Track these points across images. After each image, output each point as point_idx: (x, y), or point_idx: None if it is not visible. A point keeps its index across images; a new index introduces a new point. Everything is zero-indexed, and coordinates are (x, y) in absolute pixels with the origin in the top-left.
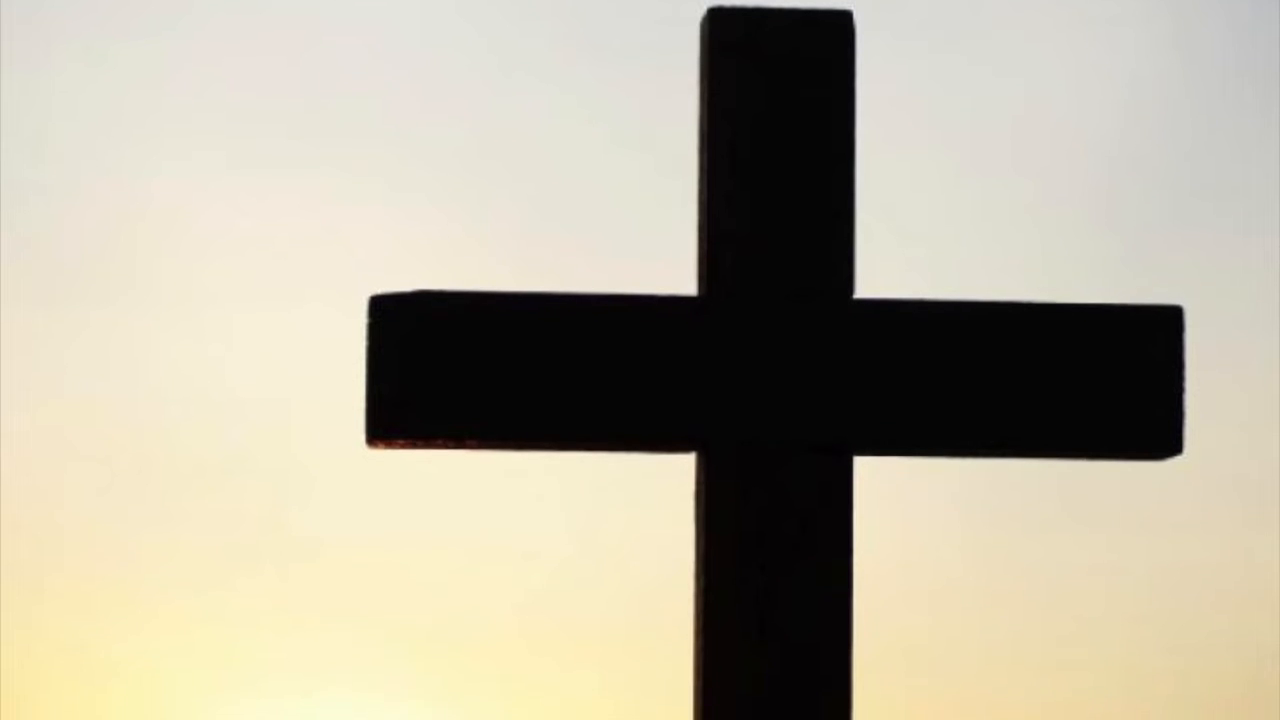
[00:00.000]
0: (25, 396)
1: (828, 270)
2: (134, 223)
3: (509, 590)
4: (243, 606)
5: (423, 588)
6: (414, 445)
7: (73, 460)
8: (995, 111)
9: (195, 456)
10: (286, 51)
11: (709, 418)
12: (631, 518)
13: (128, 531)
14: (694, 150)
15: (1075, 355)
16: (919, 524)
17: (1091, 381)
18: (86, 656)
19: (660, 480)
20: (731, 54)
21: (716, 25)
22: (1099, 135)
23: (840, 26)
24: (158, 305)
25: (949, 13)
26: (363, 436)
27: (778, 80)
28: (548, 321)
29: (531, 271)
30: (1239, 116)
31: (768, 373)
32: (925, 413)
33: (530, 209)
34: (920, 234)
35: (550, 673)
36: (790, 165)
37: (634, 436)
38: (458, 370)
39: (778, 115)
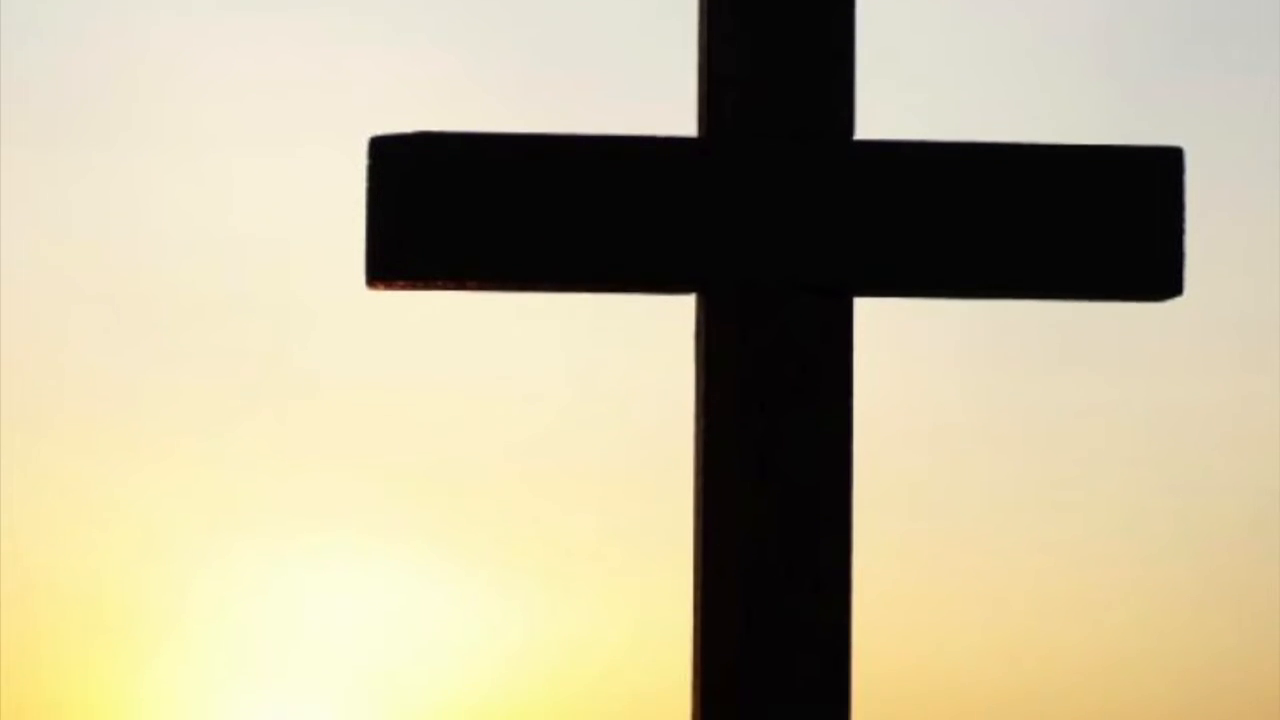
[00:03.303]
0: (26, 238)
1: (828, 112)
2: (133, 64)
3: (509, 431)
4: (243, 447)
5: (422, 429)
6: (414, 286)
7: (74, 301)
8: None
9: (197, 297)
10: None
11: (709, 258)
12: (632, 360)
13: (129, 372)
14: None
15: (1076, 196)
16: (919, 365)
17: (1092, 223)
18: (87, 496)
19: (661, 322)
20: None
21: None
22: None
23: None
24: (158, 146)
25: None
26: (363, 277)
27: None
28: (548, 162)
29: (531, 112)
30: None
31: (767, 214)
32: (924, 254)
33: (530, 50)
34: (921, 76)
35: (550, 514)
36: (790, 6)
37: (634, 277)
38: (458, 211)
39: None
